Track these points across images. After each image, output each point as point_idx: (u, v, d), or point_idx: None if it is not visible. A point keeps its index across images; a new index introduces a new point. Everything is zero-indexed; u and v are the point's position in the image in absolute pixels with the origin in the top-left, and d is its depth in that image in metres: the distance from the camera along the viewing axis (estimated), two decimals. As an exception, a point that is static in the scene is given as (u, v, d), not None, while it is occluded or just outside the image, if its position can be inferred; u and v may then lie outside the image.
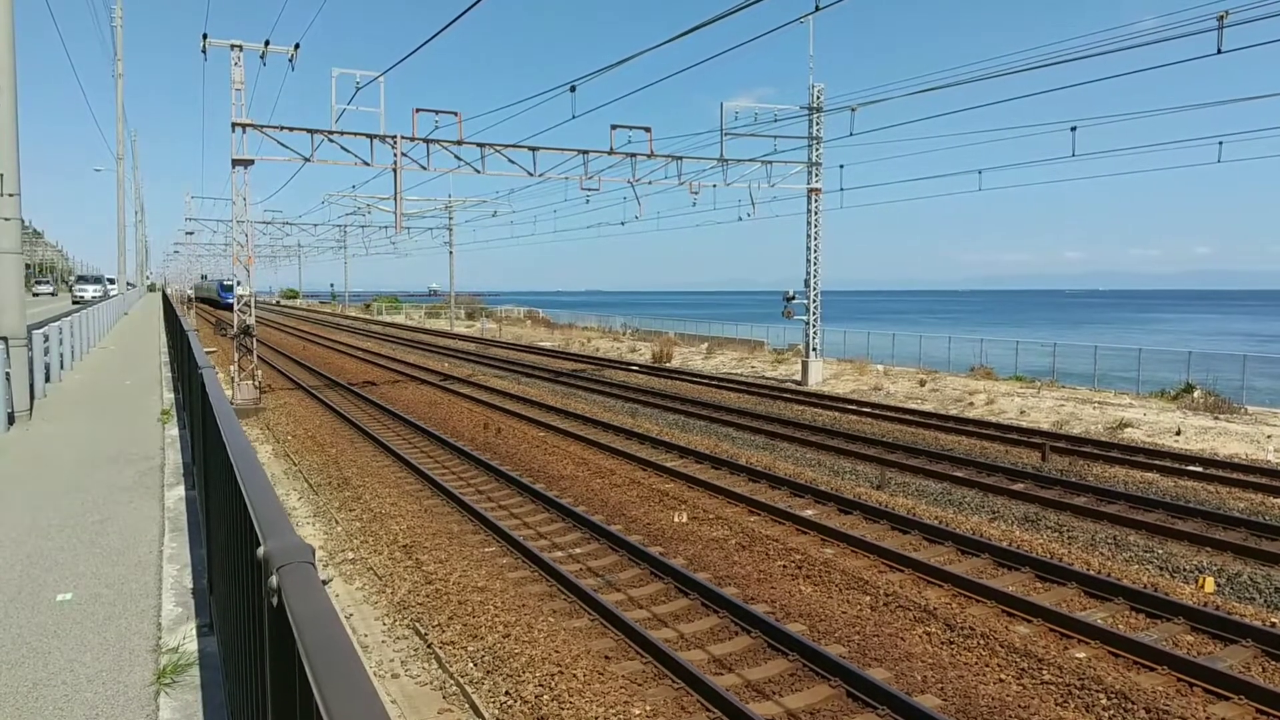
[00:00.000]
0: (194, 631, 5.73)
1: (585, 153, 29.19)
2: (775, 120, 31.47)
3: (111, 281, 74.45)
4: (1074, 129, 24.16)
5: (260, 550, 2.20)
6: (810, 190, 33.20)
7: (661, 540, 13.38)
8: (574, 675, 8.62)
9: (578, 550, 13.03)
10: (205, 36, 24.97)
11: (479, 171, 27.88)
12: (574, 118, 25.16)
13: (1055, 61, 18.65)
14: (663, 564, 11.89)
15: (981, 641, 9.57)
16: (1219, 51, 17.62)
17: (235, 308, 27.48)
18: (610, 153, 29.02)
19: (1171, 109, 23.62)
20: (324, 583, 1.95)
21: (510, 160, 28.32)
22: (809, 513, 14.62)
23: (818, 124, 32.44)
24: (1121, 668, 8.99)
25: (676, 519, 14.38)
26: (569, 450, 19.81)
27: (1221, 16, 17.46)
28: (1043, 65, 18.75)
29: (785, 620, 10.18)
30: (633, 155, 29.45)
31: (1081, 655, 9.26)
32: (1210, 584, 11.51)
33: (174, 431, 12.96)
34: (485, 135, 28.55)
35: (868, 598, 10.88)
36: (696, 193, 31.55)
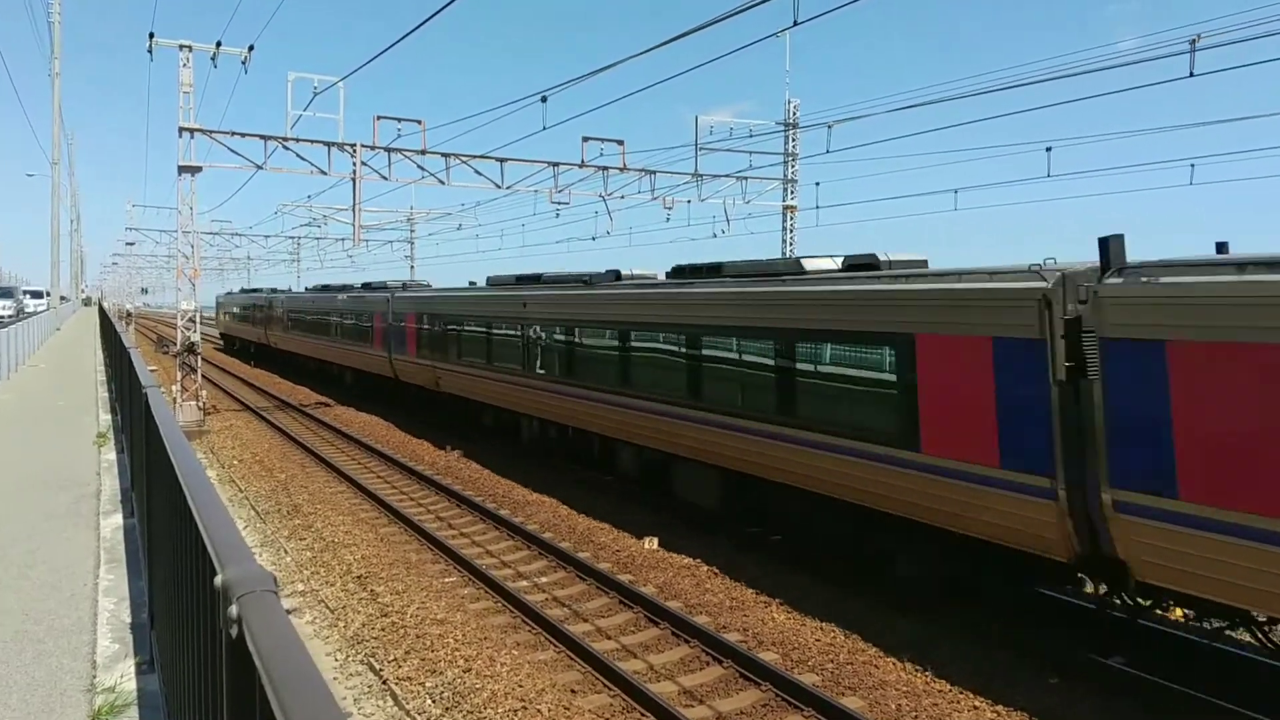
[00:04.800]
0: (133, 669, 5.63)
1: (555, 165, 29.25)
2: (751, 135, 31.72)
3: (38, 295, 68.33)
4: (1049, 149, 24.54)
5: (218, 579, 2.18)
6: (786, 208, 33.48)
7: (631, 567, 13.36)
8: (539, 710, 8.58)
9: (543, 579, 12.98)
10: (152, 36, 24.77)
11: (443, 183, 27.90)
12: (545, 129, 25.23)
13: (1031, 81, 19.01)
14: (632, 592, 11.89)
15: (956, 668, 9.63)
16: (1191, 75, 18.05)
17: None
18: (581, 165, 29.10)
19: (1145, 131, 24.18)
20: (287, 613, 1.94)
21: (477, 171, 28.34)
22: (779, 538, 14.63)
23: (794, 140, 32.77)
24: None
25: (647, 545, 14.36)
26: (536, 473, 19.73)
27: (1194, 40, 17.89)
28: (1019, 85, 19.09)
29: (758, 649, 10.21)
30: (605, 168, 29.56)
31: (1054, 680, 9.36)
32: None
33: (111, 455, 12.76)
34: (451, 145, 28.83)
35: (841, 623, 10.91)
36: (670, 208, 31.71)
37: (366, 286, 35.41)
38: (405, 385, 29.28)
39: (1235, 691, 8.84)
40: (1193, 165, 22.76)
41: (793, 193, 33.32)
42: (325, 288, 41.92)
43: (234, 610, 1.97)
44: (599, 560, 13.67)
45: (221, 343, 68.01)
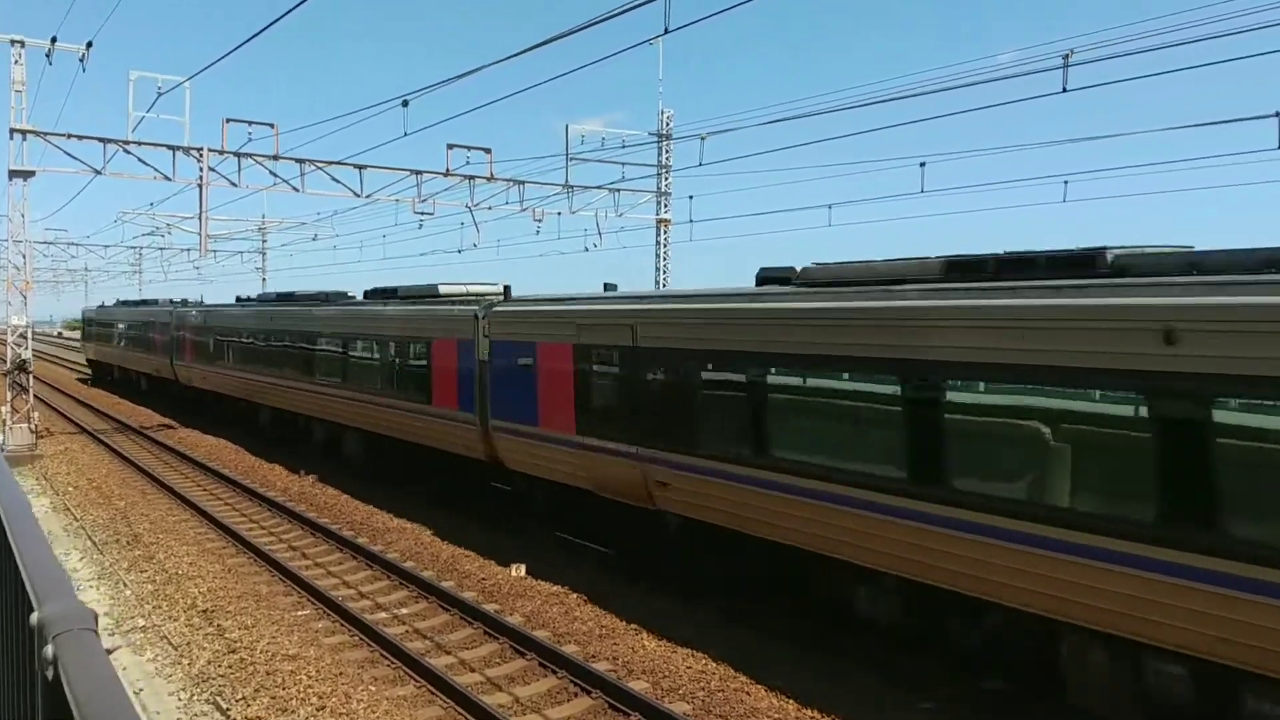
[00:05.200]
0: (-52, 715, 5.36)
1: (419, 173, 28.89)
2: (624, 146, 31.94)
3: None
4: (923, 164, 25.33)
5: (34, 617, 2.15)
6: (659, 221, 33.91)
7: (498, 596, 13.32)
8: (397, 748, 8.47)
9: (404, 610, 12.83)
10: (-23, 29, 23.54)
11: (297, 190, 27.26)
12: (406, 135, 24.91)
13: (906, 95, 19.66)
14: (498, 622, 11.87)
15: (827, 695, 9.93)
16: (1064, 90, 18.97)
17: None
18: (446, 174, 28.82)
19: (1019, 146, 25.34)
20: (108, 651, 1.94)
21: (334, 179, 27.75)
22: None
23: (667, 152, 33.23)
24: None
25: (514, 573, 14.34)
26: (397, 499, 19.44)
27: (1067, 55, 18.86)
28: (893, 99, 19.72)
29: (628, 678, 10.31)
30: (471, 178, 29.36)
31: (927, 705, 9.76)
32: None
33: (-73, 483, 12.05)
34: (306, 150, 27.85)
35: (713, 650, 11.12)
36: (540, 220, 31.68)
37: (381, 293, 22.57)
38: (507, 474, 17.06)
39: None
40: (1066, 181, 23.86)
41: (666, 206, 33.79)
42: (287, 296, 29.13)
43: (50, 651, 1.96)
44: (463, 589, 13.58)
45: (90, 372, 53.59)
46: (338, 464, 22.96)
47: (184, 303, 38.91)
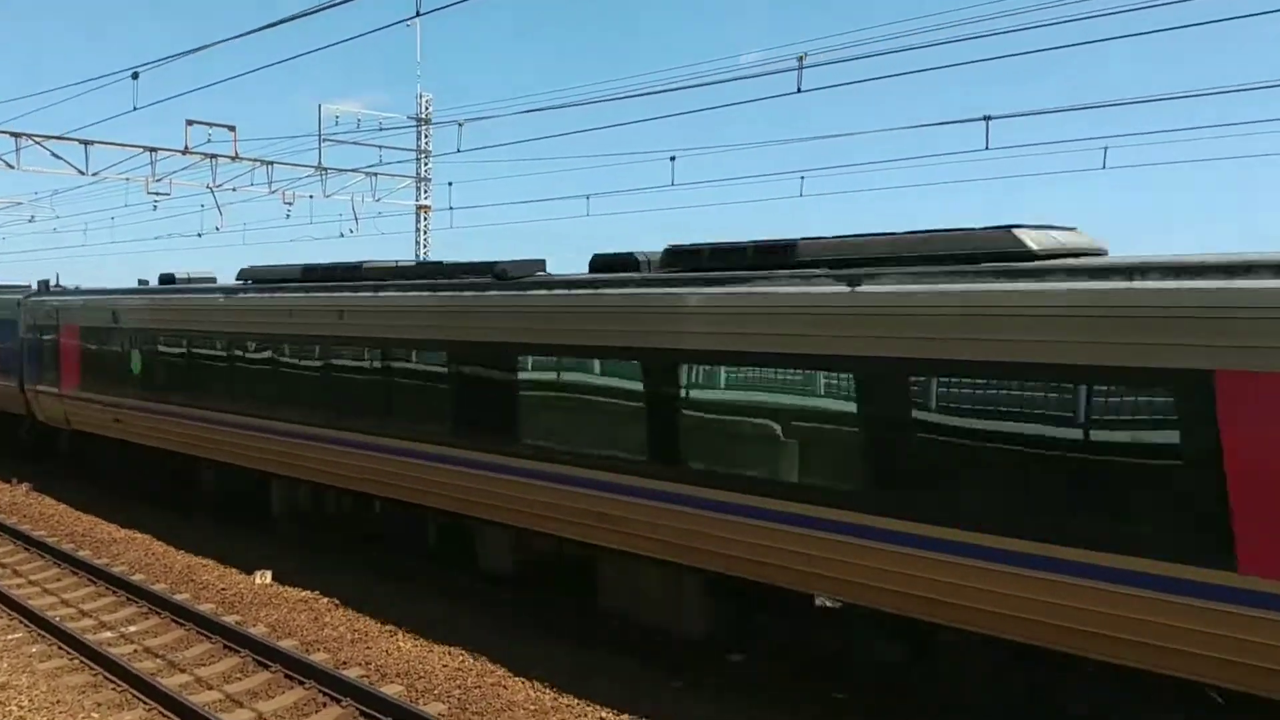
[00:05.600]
0: None
1: (153, 150, 27.28)
2: (381, 129, 31.37)
3: None
4: (674, 159, 26.17)
5: None
6: (419, 207, 33.48)
7: (240, 606, 12.82)
8: (120, 778, 8.01)
9: (132, 628, 12.13)
10: None
11: (12, 166, 25.52)
12: (135, 109, 23.45)
13: (656, 90, 20.35)
14: (239, 634, 11.43)
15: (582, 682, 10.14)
16: (799, 90, 20.13)
17: None
18: (185, 152, 27.32)
19: (760, 144, 26.73)
20: None
21: (54, 155, 26.11)
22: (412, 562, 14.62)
23: (426, 137, 32.86)
24: None
25: (259, 580, 13.83)
26: (125, 507, 18.30)
27: (801, 58, 19.99)
28: (645, 94, 20.40)
29: (381, 683, 10.17)
30: (213, 156, 27.95)
31: (678, 684, 10.13)
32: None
33: None
34: (22, 123, 25.79)
35: (470, 646, 11.11)
36: (290, 203, 30.67)
37: (699, 259, 9.96)
38: None
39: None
40: (803, 177, 25.47)
41: (426, 192, 33.39)
42: (304, 273, 15.75)
43: None
44: (201, 601, 12.98)
45: None
46: (56, 473, 21.31)
47: (46, 288, 23.33)
